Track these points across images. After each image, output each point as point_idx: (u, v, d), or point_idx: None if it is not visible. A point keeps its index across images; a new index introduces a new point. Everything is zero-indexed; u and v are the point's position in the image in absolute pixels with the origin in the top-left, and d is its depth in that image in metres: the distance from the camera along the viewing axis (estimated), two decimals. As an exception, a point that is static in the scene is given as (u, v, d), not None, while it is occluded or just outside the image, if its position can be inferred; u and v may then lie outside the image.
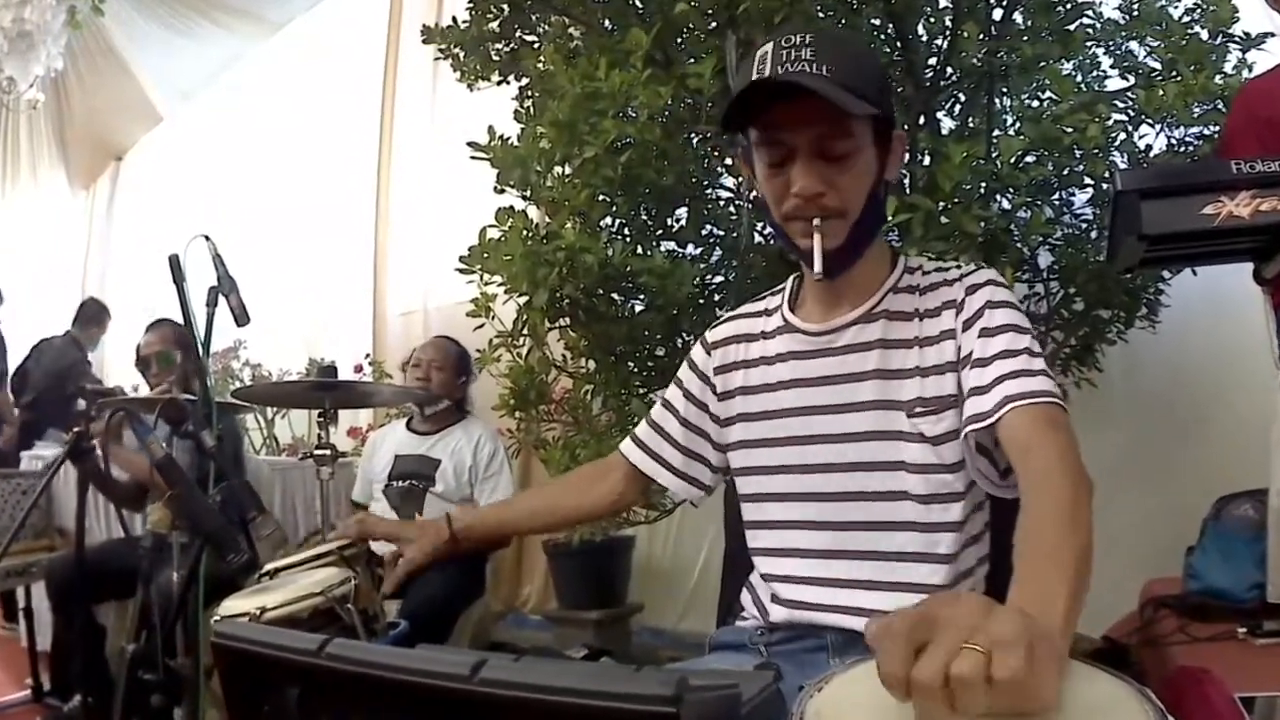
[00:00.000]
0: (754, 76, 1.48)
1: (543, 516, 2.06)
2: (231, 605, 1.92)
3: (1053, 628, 0.99)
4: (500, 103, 3.70)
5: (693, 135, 3.14)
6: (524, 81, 3.62)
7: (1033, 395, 1.40)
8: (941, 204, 2.63)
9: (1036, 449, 1.34)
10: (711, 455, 1.86)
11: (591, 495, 1.98)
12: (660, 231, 3.26)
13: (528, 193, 3.09)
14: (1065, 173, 2.78)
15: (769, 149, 1.53)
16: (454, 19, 3.70)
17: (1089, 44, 3.05)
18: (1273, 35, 2.93)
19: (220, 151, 9.06)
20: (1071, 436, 1.36)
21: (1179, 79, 2.70)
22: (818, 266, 1.50)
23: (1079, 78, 3.11)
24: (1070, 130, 2.62)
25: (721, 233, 3.33)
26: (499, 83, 3.72)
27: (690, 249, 3.29)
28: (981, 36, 2.83)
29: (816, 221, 1.50)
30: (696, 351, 1.88)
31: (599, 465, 2.09)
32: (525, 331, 3.13)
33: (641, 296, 3.12)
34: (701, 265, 3.20)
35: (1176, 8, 2.96)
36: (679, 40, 3.15)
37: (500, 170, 3.06)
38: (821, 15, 2.90)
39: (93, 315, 7.71)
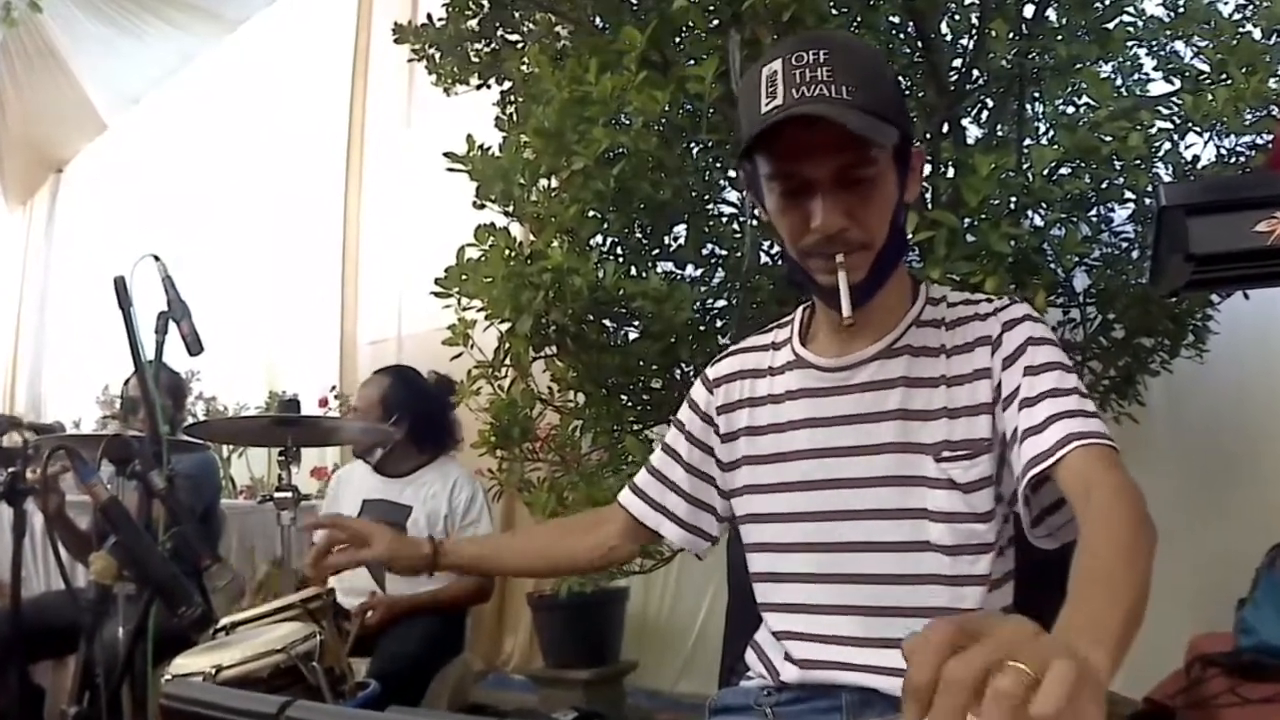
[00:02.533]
0: (764, 100, 1.48)
1: (530, 559, 2.06)
2: (183, 663, 1.92)
3: (1100, 662, 0.97)
4: (481, 109, 3.71)
5: (692, 145, 3.15)
6: (506, 85, 3.63)
7: (1093, 436, 1.40)
8: (967, 220, 2.63)
9: (1097, 488, 1.34)
10: (718, 503, 1.86)
11: (580, 546, 1.97)
12: (656, 251, 3.25)
13: (510, 208, 3.08)
14: (1104, 186, 2.77)
15: (783, 180, 1.53)
16: (429, 16, 3.72)
17: (1130, 44, 3.05)
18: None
19: (170, 163, 9.07)
20: (1133, 480, 1.36)
21: (1229, 83, 2.69)
22: (846, 310, 1.49)
23: (1119, 81, 3.11)
24: (1109, 139, 2.61)
25: (724, 252, 3.32)
26: (479, 86, 3.73)
27: (689, 270, 3.28)
28: (1011, 36, 2.84)
29: (840, 258, 1.50)
30: (697, 390, 1.88)
31: (595, 514, 2.10)
32: (508, 361, 3.11)
33: (636, 323, 3.11)
34: (702, 288, 3.21)
35: (1226, 4, 2.95)
36: (677, 40, 3.15)
37: (480, 183, 3.06)
38: (835, 12, 2.91)
39: None
